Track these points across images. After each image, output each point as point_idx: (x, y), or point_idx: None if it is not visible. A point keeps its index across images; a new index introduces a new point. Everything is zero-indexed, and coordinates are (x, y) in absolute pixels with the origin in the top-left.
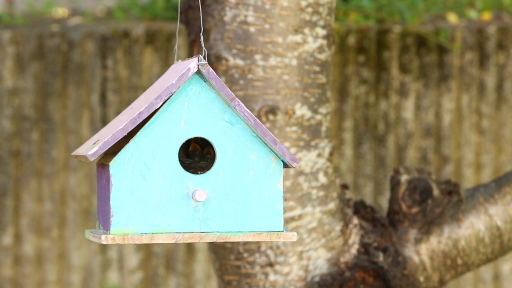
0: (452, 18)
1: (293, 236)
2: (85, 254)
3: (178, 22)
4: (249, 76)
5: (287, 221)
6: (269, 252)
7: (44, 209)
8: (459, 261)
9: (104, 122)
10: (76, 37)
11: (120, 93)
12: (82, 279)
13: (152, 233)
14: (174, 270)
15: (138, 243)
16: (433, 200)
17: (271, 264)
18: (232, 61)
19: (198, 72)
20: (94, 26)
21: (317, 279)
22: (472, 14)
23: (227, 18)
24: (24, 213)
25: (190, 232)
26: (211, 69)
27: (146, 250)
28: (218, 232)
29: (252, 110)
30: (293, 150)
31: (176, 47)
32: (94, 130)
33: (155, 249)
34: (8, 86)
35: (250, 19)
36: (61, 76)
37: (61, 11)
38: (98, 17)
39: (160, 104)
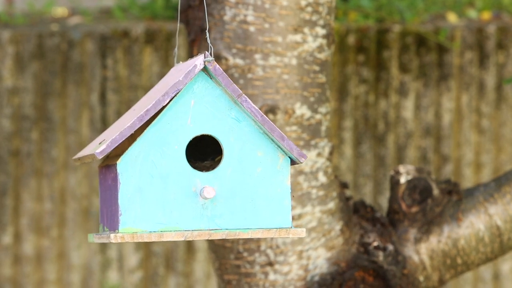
0: (452, 17)
1: (302, 232)
2: (84, 253)
3: (178, 23)
4: (249, 75)
5: None
6: (269, 251)
7: (44, 209)
8: (459, 261)
9: (104, 121)
10: (76, 36)
11: (120, 93)
12: (82, 278)
13: (161, 231)
14: (173, 269)
15: (147, 241)
16: (433, 199)
17: (271, 264)
18: (231, 60)
19: (204, 69)
20: (93, 25)
21: (317, 278)
22: (472, 13)
23: (226, 18)
24: (24, 212)
25: (198, 230)
26: (217, 66)
27: (146, 249)
28: (226, 229)
29: None
30: None
31: (176, 49)
32: (94, 129)
33: (154, 249)
34: (7, 85)
35: (249, 18)
36: (61, 76)
37: (60, 11)
38: (98, 16)
39: (167, 101)
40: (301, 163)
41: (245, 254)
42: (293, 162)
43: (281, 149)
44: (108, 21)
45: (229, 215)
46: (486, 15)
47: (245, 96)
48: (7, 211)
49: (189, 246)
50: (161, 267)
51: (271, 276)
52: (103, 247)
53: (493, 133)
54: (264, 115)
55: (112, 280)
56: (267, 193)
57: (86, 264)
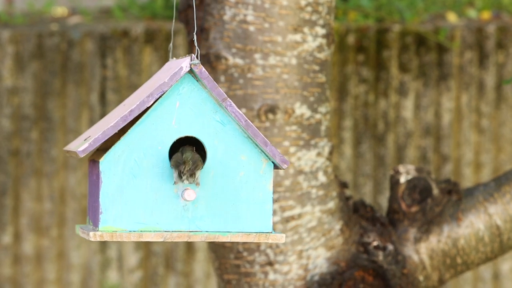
0: (452, 17)
1: (281, 238)
2: (84, 253)
3: (174, 20)
4: (249, 75)
5: (287, 220)
6: (268, 251)
7: (44, 208)
8: (459, 260)
9: None
10: (76, 36)
11: (119, 92)
12: (82, 278)
13: (141, 231)
14: (173, 269)
15: (126, 240)
16: (433, 199)
17: (270, 263)
18: (231, 60)
19: (191, 71)
20: (93, 25)
21: (316, 278)
22: (472, 13)
23: (226, 17)
24: (24, 212)
25: (178, 231)
26: (203, 69)
27: (146, 249)
28: (206, 231)
29: (251, 109)
30: (292, 149)
31: (171, 45)
32: None
33: (154, 248)
34: (7, 85)
35: (249, 18)
36: (61, 75)
37: (60, 10)
38: (98, 16)
39: (152, 102)
40: (284, 169)
41: (245, 253)
42: (276, 168)
43: (265, 154)
44: (108, 21)
45: (210, 217)
46: (486, 15)
47: (230, 100)
48: (7, 211)
49: (189, 246)
50: (161, 267)
51: (271, 276)
52: (103, 246)
53: (492, 133)
54: (248, 120)
55: (112, 280)
56: (249, 197)
57: (85, 264)
